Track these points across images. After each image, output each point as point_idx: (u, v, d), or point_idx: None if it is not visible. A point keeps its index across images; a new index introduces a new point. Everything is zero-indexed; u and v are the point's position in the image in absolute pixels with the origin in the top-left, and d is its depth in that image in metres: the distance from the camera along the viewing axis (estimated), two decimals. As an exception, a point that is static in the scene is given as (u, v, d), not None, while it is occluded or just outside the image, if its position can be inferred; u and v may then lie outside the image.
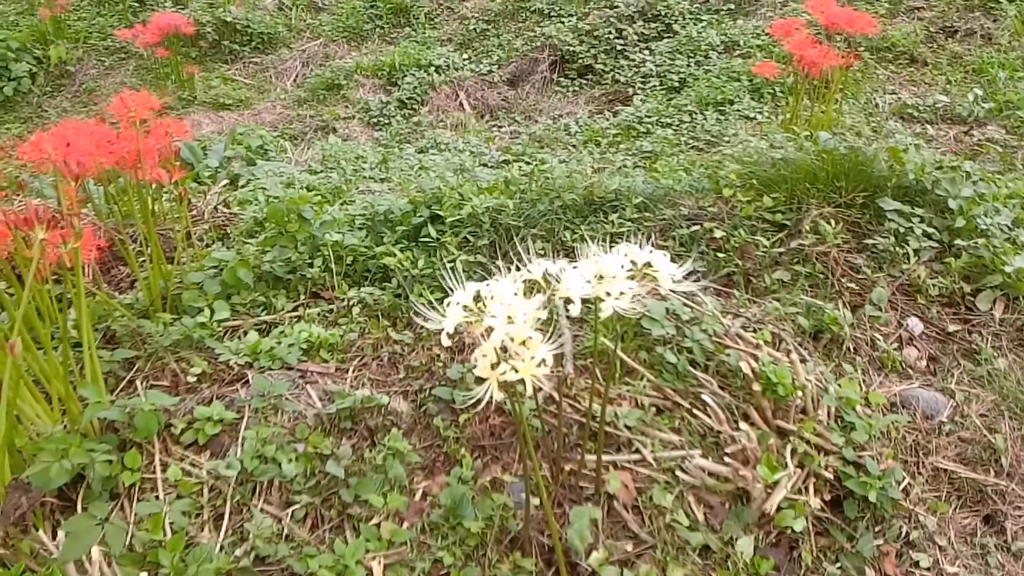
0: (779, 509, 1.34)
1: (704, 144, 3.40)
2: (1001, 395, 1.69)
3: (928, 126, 3.39)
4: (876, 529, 1.41)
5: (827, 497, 1.41)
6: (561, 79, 5.69)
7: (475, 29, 6.43)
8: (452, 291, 1.10)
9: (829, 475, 1.40)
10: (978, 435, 1.60)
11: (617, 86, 5.26)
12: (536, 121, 5.20)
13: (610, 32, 5.69)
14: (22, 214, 1.17)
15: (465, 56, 6.18)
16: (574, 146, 4.37)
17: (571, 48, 5.71)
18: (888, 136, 2.84)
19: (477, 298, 1.04)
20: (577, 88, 5.50)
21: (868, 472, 1.41)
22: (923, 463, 1.53)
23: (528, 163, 3.04)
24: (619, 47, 5.56)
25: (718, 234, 2.01)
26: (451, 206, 2.10)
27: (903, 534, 1.42)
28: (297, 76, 6.20)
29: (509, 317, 1.00)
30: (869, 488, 1.38)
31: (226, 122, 5.38)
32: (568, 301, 1.07)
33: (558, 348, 1.10)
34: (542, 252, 2.05)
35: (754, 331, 1.69)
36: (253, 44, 6.32)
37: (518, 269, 1.14)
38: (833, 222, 2.03)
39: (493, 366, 1.01)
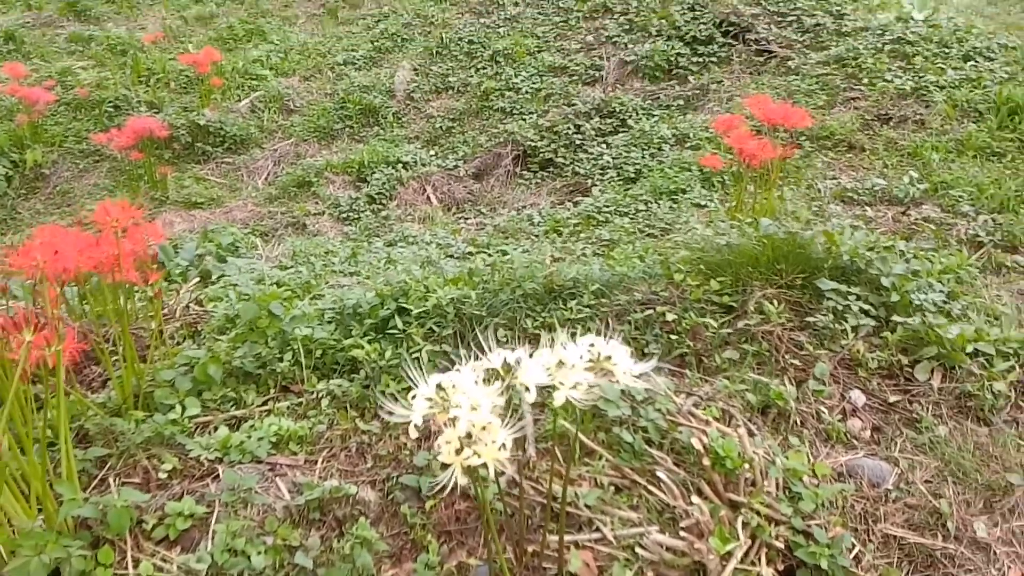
0: (735, 580, 1.39)
1: (658, 231, 3.57)
2: (943, 461, 1.78)
3: (868, 208, 3.60)
4: (830, 597, 1.46)
5: (780, 567, 1.47)
6: (524, 172, 5.93)
7: (441, 127, 6.72)
8: (415, 383, 1.18)
9: (780, 545, 1.47)
10: (924, 501, 1.68)
11: (577, 178, 5.50)
12: (500, 213, 5.39)
13: (569, 128, 5.99)
14: (10, 317, 1.24)
15: (432, 152, 6.44)
16: (537, 236, 4.53)
17: (532, 143, 5.98)
18: (829, 219, 3.03)
19: (440, 388, 1.12)
20: (539, 180, 5.73)
21: (817, 541, 1.47)
22: (872, 530, 1.60)
23: (491, 255, 3.17)
24: (578, 142, 5.84)
25: (670, 317, 2.12)
26: (417, 298, 2.19)
27: (857, 601, 1.47)
28: (268, 175, 6.38)
29: (472, 406, 1.07)
30: (819, 556, 1.45)
31: (198, 220, 5.49)
32: (527, 388, 1.15)
33: (519, 432, 1.18)
34: (504, 340, 2.14)
35: (705, 408, 1.78)
36: (226, 145, 6.52)
37: (478, 359, 1.23)
38: (776, 302, 2.16)
39: (457, 452, 1.08)
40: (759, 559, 1.43)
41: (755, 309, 2.13)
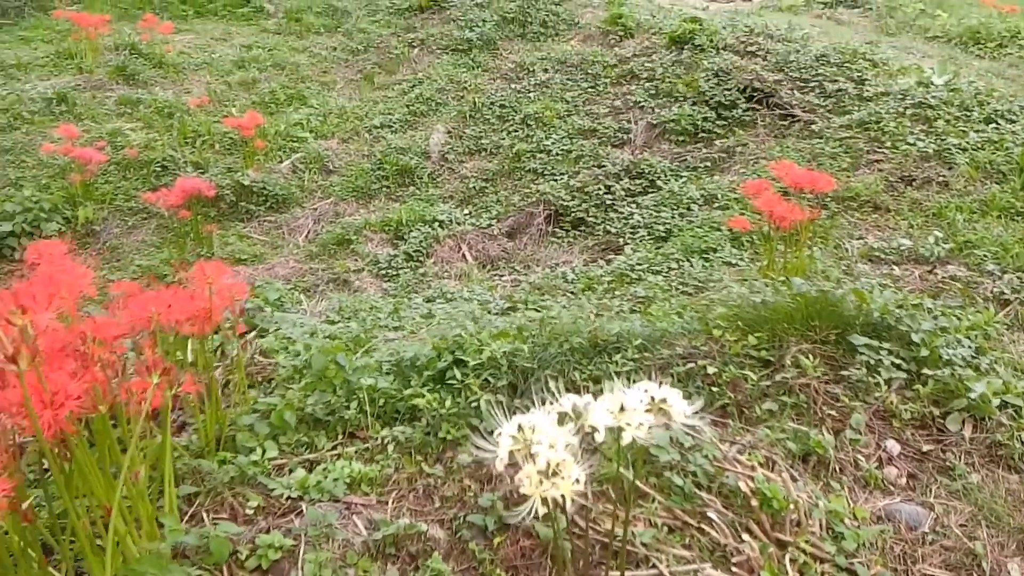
0: (784, 616, 1.49)
1: (692, 289, 3.71)
2: (977, 506, 1.87)
3: (895, 267, 3.72)
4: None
5: (826, 604, 1.57)
6: (556, 231, 6.14)
7: (474, 187, 6.97)
8: (479, 428, 1.33)
9: (826, 582, 1.57)
10: (959, 543, 1.78)
11: (608, 237, 5.69)
12: (534, 270, 5.57)
13: (599, 188, 6.20)
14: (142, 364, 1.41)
15: (466, 211, 6.67)
16: (572, 293, 4.69)
17: (564, 203, 6.20)
18: (858, 278, 3.15)
19: (521, 429, 1.26)
20: (571, 239, 5.92)
21: (860, 579, 1.58)
22: (911, 570, 1.69)
23: (536, 310, 3.32)
24: (608, 202, 6.05)
25: (711, 370, 2.25)
26: (472, 351, 2.35)
27: (899, 639, 1.56)
28: (309, 233, 6.64)
29: (550, 444, 1.22)
30: (863, 594, 1.55)
31: (242, 276, 5.72)
32: (594, 430, 1.29)
33: (589, 469, 1.31)
34: (555, 391, 2.28)
35: (748, 455, 1.90)
36: (268, 204, 6.80)
37: (544, 404, 1.37)
38: (811, 357, 2.29)
39: (537, 485, 1.22)
40: (806, 595, 1.54)
41: (792, 363, 2.26)
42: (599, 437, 1.29)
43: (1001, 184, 4.30)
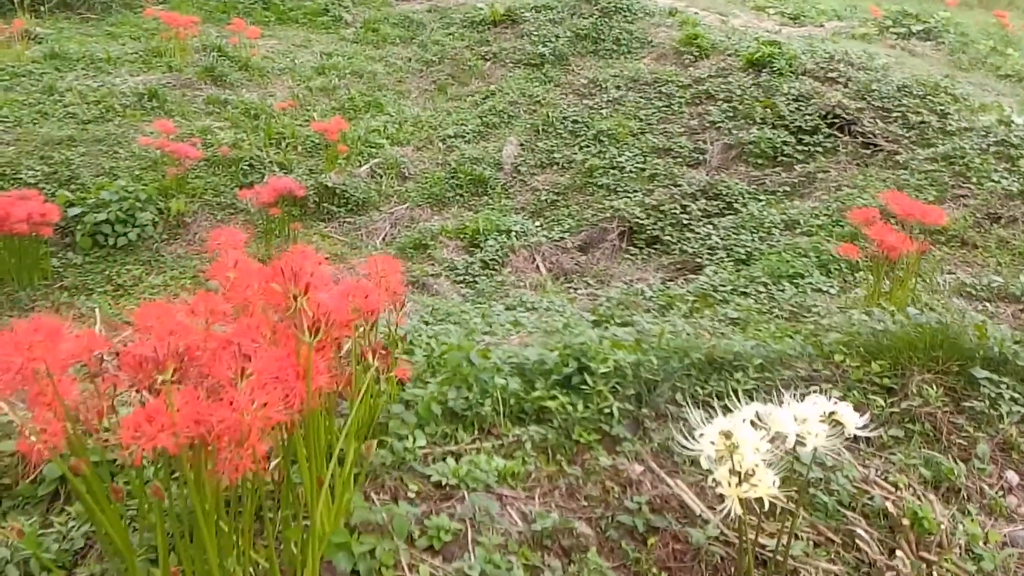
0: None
1: (787, 314, 3.77)
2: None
3: (987, 303, 3.74)
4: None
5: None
6: (630, 248, 6.22)
7: (546, 200, 7.09)
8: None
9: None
10: (1089, 576, 1.82)
11: (685, 256, 5.76)
12: (609, 285, 5.66)
13: (675, 207, 6.28)
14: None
15: (538, 223, 6.79)
16: (653, 310, 4.77)
17: (639, 220, 6.28)
18: (963, 313, 3.19)
19: (723, 434, 1.36)
20: (646, 256, 6.00)
21: (1006, 602, 1.63)
22: (1047, 598, 1.74)
23: (654, 323, 3.39)
24: (684, 221, 6.12)
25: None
26: (599, 359, 2.45)
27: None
28: (386, 235, 6.83)
29: (755, 448, 1.31)
30: (1008, 616, 1.60)
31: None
32: (782, 437, 1.38)
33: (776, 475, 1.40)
34: (681, 404, 2.37)
35: (884, 478, 1.96)
36: (348, 207, 7.01)
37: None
38: (934, 387, 2.34)
39: (736, 485, 1.32)
40: (956, 614, 1.60)
41: (916, 392, 2.31)
42: (789, 441, 1.38)
43: (1091, 227, 4.29)
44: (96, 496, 1.32)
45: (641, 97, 7.99)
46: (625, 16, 9.28)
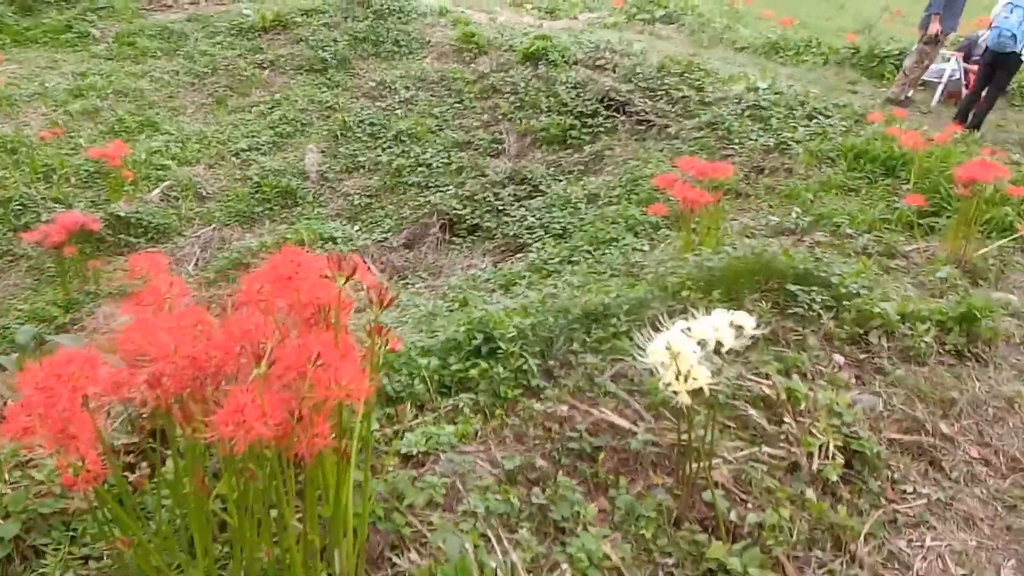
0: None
1: (621, 271, 4.31)
2: (908, 389, 2.57)
3: (770, 239, 4.54)
4: None
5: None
6: (454, 238, 6.55)
7: (360, 204, 7.20)
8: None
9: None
10: (905, 415, 2.45)
11: (507, 239, 6.20)
12: (444, 275, 5.96)
13: (488, 195, 6.70)
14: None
15: (356, 227, 6.89)
16: (493, 290, 5.14)
17: (457, 211, 6.63)
18: (765, 246, 3.89)
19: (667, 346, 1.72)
20: (471, 244, 6.37)
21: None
22: (880, 437, 2.33)
23: (528, 292, 3.71)
24: (499, 207, 6.56)
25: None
26: (503, 327, 2.74)
27: None
28: (197, 260, 6.54)
29: (693, 351, 1.69)
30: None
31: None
32: (703, 343, 1.78)
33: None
34: (577, 352, 2.74)
35: (753, 374, 2.47)
36: (148, 235, 6.61)
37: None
38: (763, 302, 2.93)
39: (684, 381, 1.69)
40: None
41: (751, 309, 2.88)
42: (710, 347, 1.78)
43: (833, 167, 5.34)
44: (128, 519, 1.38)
45: (432, 95, 8.32)
46: (399, 17, 9.54)
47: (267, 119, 8.52)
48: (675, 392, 1.73)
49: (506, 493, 1.96)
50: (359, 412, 1.65)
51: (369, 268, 6.32)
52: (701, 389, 1.73)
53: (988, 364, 2.78)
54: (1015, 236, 4.04)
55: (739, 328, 1.87)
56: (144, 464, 2.00)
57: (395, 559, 1.74)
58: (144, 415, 2.13)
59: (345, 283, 1.42)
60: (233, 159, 7.96)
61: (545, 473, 2.09)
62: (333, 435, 1.46)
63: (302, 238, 6.34)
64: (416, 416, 2.43)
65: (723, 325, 1.85)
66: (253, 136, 8.21)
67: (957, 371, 2.72)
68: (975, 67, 7.89)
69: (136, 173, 7.26)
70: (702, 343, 1.81)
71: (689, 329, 1.82)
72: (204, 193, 7.39)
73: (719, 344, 1.83)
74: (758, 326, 1.93)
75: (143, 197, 7.07)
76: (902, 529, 2.01)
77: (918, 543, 1.98)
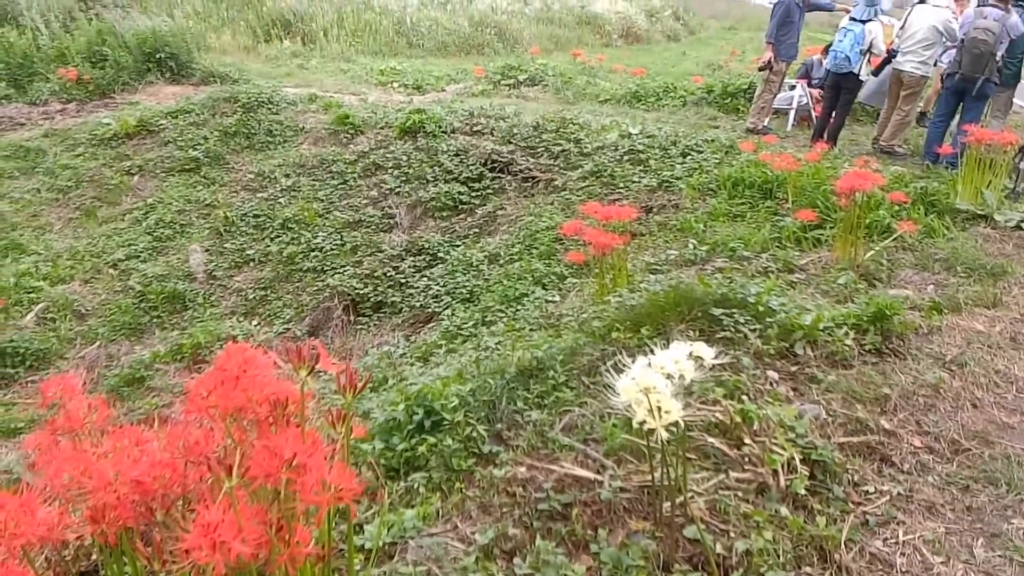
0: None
1: (539, 325, 4.30)
2: (843, 393, 2.66)
3: (674, 270, 4.68)
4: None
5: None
6: (359, 318, 6.39)
7: (254, 297, 6.94)
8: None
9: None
10: (848, 417, 2.52)
11: (415, 311, 6.11)
12: (355, 357, 5.77)
13: (387, 270, 6.62)
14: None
15: (255, 322, 6.62)
16: (411, 364, 5.01)
17: (358, 291, 6.50)
18: (679, 278, 4.00)
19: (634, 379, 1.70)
20: (377, 322, 6.23)
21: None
22: (829, 443, 2.39)
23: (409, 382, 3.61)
24: (400, 280, 6.48)
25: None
26: (441, 398, 2.65)
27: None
28: (85, 383, 6.05)
29: (661, 387, 1.68)
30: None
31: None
32: (669, 376, 1.77)
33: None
34: (522, 409, 2.68)
35: (702, 401, 2.49)
36: (26, 364, 6.08)
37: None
38: (690, 331, 2.98)
39: (659, 416, 1.66)
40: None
41: (679, 339, 2.92)
42: (675, 380, 1.77)
43: (715, 197, 5.60)
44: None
45: (315, 180, 8.21)
46: (269, 108, 9.44)
47: (143, 224, 8.14)
48: (651, 430, 1.70)
49: (487, 570, 1.85)
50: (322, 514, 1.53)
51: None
52: (677, 423, 1.71)
53: (906, 357, 2.93)
54: (895, 236, 4.35)
55: (699, 359, 1.88)
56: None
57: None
58: (68, 557, 1.89)
59: (308, 375, 1.32)
60: (111, 271, 7.53)
61: (520, 541, 1.99)
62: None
63: (198, 341, 6.01)
64: (369, 507, 2.28)
65: (682, 357, 1.85)
66: (129, 244, 7.81)
67: (881, 368, 2.85)
68: (818, 90, 8.62)
69: (6, 299, 6.72)
70: (669, 376, 1.80)
71: (649, 364, 1.81)
72: (83, 310, 6.92)
73: (681, 377, 1.83)
74: (716, 356, 1.94)
75: (16, 324, 6.53)
76: (875, 529, 2.05)
77: (892, 540, 2.01)
